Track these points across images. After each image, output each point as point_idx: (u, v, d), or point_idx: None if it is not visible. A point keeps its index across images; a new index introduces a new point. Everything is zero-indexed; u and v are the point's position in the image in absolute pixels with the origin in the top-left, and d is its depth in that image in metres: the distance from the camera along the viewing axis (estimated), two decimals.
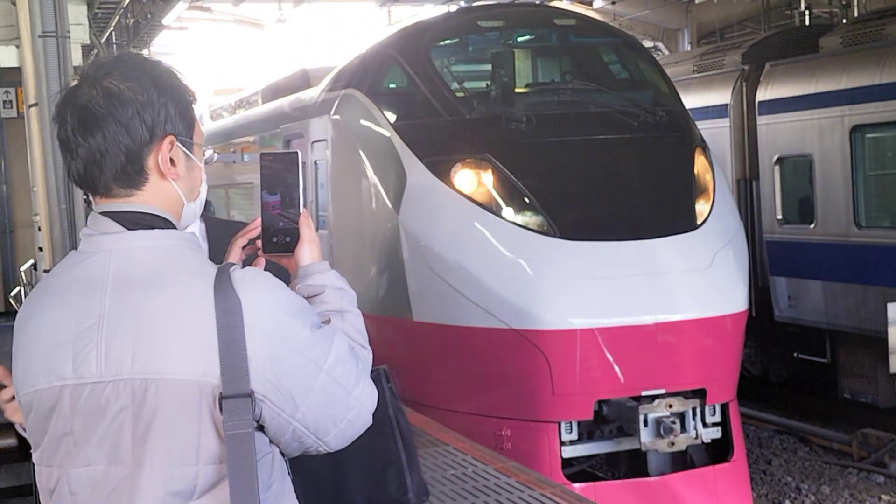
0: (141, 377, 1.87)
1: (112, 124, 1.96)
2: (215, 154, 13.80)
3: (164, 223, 2.00)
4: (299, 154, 2.23)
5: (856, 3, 16.56)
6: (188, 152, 2.05)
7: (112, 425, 1.88)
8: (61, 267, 2.04)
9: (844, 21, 14.67)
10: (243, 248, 2.25)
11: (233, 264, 1.99)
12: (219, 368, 1.86)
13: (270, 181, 2.16)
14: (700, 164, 8.25)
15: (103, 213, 2.00)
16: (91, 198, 2.05)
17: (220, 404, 1.86)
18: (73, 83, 2.04)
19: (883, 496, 9.96)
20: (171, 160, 2.02)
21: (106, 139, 1.96)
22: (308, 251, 2.16)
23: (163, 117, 1.99)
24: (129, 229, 1.97)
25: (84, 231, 2.02)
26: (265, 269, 2.06)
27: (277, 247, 2.17)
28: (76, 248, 2.04)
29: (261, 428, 1.92)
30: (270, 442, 1.96)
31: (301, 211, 2.17)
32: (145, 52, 20.91)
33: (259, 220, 2.18)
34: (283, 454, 2.02)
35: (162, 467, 1.87)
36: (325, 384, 1.95)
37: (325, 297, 2.09)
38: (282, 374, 1.91)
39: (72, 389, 1.90)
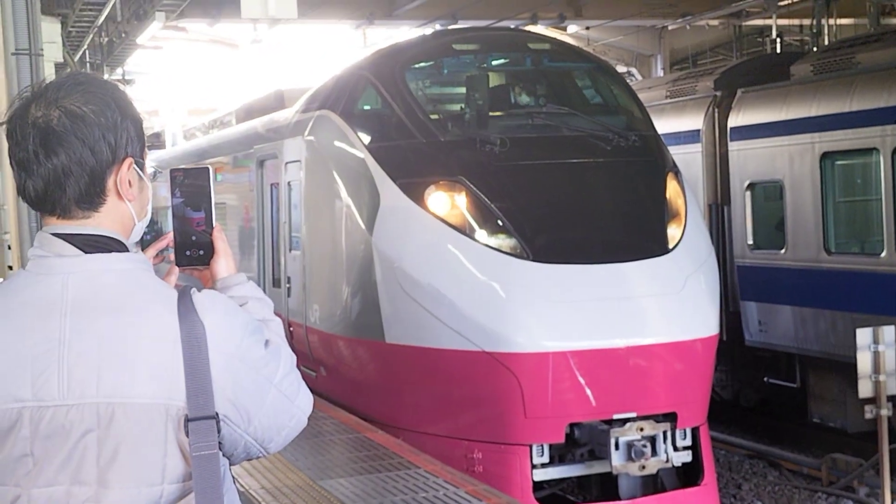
0: (107, 401, 1.89)
1: (77, 146, 1.97)
2: (158, 172, 13.98)
3: (118, 245, 2.03)
4: (210, 169, 2.26)
5: (826, 31, 16.76)
6: (141, 173, 2.08)
7: (76, 448, 1.89)
8: (9, 288, 2.02)
9: (815, 49, 14.83)
10: (153, 258, 2.27)
11: (191, 287, 2.03)
12: (184, 391, 1.91)
13: (193, 198, 2.20)
14: (672, 188, 8.30)
15: (55, 235, 2.01)
16: (41, 218, 2.05)
17: (186, 427, 1.90)
18: (20, 102, 2.03)
19: None
20: (129, 181, 2.05)
21: (71, 160, 1.97)
22: (225, 264, 2.23)
23: (125, 140, 2.03)
24: (85, 252, 1.99)
25: (34, 251, 2.02)
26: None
27: (191, 260, 2.22)
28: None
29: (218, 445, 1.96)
30: (223, 455, 2.00)
31: (214, 225, 2.22)
32: (119, 70, 20.82)
33: (170, 234, 2.22)
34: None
35: (128, 488, 1.89)
36: (275, 398, 2.03)
37: (248, 307, 2.15)
38: (240, 393, 1.98)
39: (31, 412, 1.90)
